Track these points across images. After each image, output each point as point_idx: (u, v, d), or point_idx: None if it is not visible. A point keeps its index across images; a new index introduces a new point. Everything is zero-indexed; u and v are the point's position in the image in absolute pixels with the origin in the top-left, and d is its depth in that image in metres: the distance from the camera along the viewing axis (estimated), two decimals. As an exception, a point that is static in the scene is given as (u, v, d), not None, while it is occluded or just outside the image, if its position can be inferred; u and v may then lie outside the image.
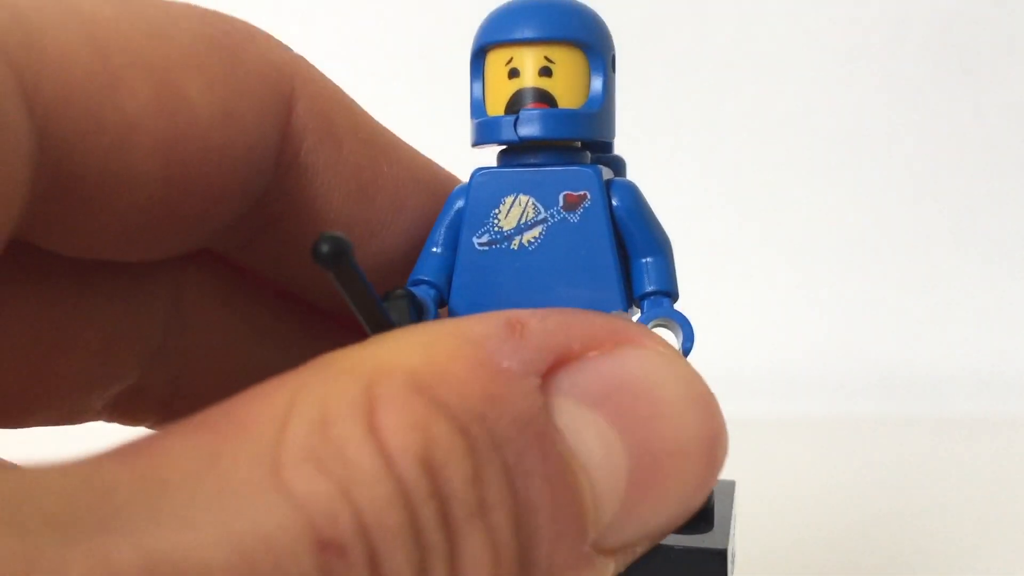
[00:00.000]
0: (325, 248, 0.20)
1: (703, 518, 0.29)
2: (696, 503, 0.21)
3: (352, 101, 0.26)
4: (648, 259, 0.29)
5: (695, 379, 0.22)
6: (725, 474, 0.22)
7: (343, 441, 0.17)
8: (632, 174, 0.31)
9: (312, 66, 0.25)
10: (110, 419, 0.27)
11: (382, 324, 0.23)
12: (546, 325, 0.20)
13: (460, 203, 0.29)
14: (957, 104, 0.90)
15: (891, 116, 0.90)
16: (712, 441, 0.21)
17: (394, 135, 0.27)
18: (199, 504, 0.15)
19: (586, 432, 0.20)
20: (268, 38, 0.24)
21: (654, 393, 0.21)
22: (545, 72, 0.29)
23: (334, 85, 0.26)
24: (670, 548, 0.28)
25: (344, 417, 0.17)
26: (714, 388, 0.22)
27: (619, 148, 0.31)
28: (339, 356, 0.19)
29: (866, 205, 0.90)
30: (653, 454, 0.20)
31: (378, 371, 0.18)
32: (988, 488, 0.62)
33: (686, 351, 0.28)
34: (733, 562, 0.29)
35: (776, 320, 0.88)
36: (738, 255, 0.89)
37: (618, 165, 0.32)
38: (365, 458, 0.17)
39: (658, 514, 0.20)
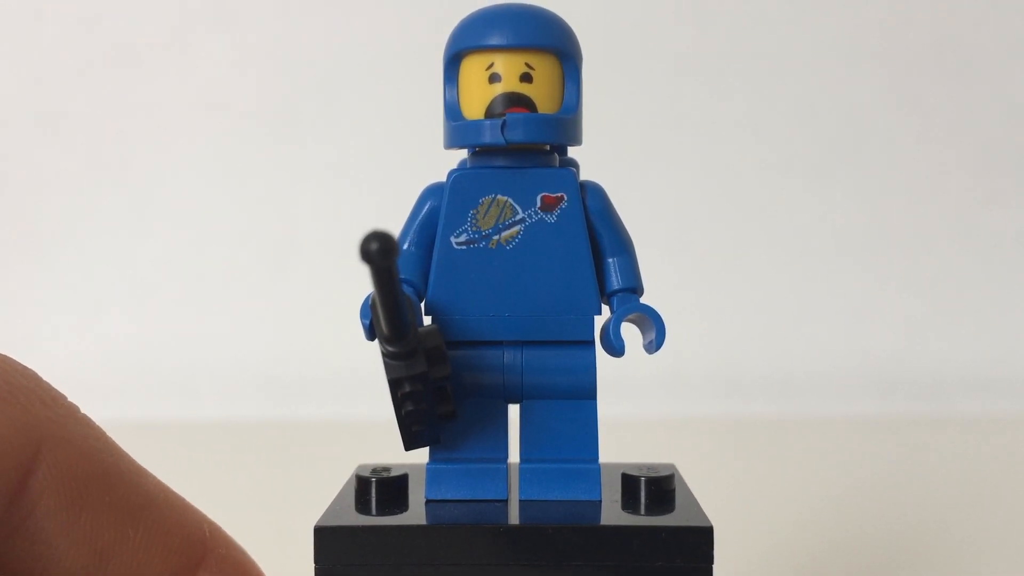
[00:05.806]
0: (375, 246, 0.21)
1: None
2: None
3: (115, 460, 0.24)
4: (615, 258, 0.30)
5: None
6: (725, 477, 0.22)
7: None
8: (622, 173, 0.32)
9: (75, 424, 0.23)
10: None
11: (402, 323, 0.25)
12: None
13: (432, 203, 0.30)
14: (957, 104, 0.90)
15: (891, 116, 0.90)
16: None
17: (158, 490, 0.24)
18: None
19: None
20: (27, 394, 0.23)
21: None
22: (526, 78, 0.29)
23: (96, 445, 0.24)
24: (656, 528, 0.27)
25: None
26: (715, 388, 0.23)
27: (620, 143, 0.31)
28: None
29: (866, 205, 0.90)
30: None
31: None
32: (989, 488, 0.62)
33: (659, 344, 0.29)
34: None
35: (776, 320, 0.88)
36: (738, 255, 0.89)
37: (574, 168, 0.33)
38: None
39: None
